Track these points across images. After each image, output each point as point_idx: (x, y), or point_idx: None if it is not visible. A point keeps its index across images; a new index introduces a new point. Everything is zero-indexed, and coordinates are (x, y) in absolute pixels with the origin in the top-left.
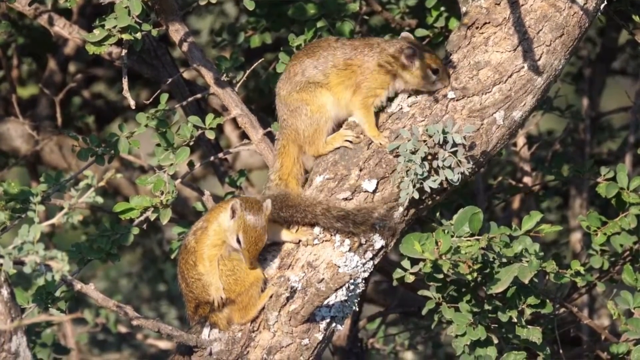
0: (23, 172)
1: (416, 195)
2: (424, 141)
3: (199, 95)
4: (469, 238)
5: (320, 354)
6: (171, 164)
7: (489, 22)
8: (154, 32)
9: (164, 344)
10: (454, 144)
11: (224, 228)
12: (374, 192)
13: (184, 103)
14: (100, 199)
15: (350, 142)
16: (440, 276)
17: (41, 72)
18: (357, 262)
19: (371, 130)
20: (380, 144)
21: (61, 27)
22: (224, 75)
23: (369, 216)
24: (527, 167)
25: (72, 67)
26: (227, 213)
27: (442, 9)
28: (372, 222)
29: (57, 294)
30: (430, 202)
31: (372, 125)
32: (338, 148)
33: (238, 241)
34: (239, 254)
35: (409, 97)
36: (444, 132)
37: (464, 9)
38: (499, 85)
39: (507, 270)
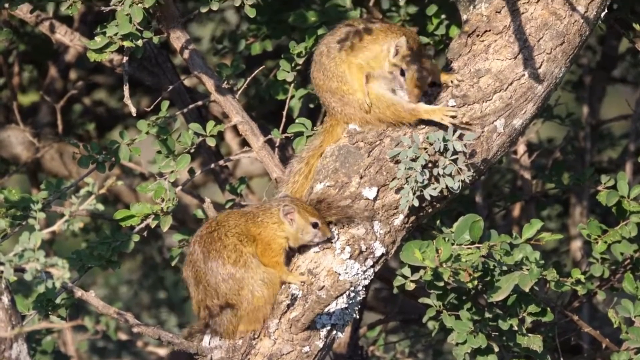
0: (24, 180)
1: (416, 203)
2: (425, 149)
3: (199, 103)
4: (469, 246)
5: None
6: (172, 171)
7: (490, 30)
8: (155, 40)
9: (164, 352)
10: (455, 152)
11: (290, 232)
12: (375, 199)
13: (185, 110)
14: (100, 206)
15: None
16: (441, 284)
17: (42, 79)
18: (358, 269)
19: None
20: None
21: (62, 34)
22: (225, 82)
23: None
24: (527, 175)
25: (73, 75)
26: (284, 223)
27: (443, 16)
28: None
29: (58, 301)
30: (430, 210)
31: None
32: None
33: (315, 225)
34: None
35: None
36: (444, 140)
37: (464, 17)
38: (500, 93)
39: (508, 278)
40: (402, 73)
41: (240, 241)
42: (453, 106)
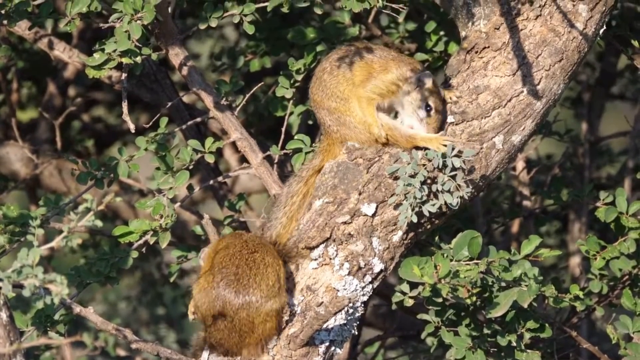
0: (22, 196)
1: (415, 219)
2: (424, 165)
3: (198, 119)
4: (468, 262)
5: None
6: (170, 188)
7: (488, 47)
8: (154, 56)
9: None
10: (453, 168)
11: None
12: (373, 215)
13: (184, 127)
14: (99, 223)
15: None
16: (440, 300)
17: (41, 95)
18: (356, 285)
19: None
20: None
21: (61, 51)
22: (224, 99)
23: None
24: (526, 191)
25: (71, 91)
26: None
27: (442, 33)
28: None
29: (56, 317)
30: (429, 226)
31: None
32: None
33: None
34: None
35: None
36: (443, 156)
37: (463, 34)
38: (498, 110)
39: (506, 295)
40: (426, 107)
41: (280, 277)
42: (451, 122)
